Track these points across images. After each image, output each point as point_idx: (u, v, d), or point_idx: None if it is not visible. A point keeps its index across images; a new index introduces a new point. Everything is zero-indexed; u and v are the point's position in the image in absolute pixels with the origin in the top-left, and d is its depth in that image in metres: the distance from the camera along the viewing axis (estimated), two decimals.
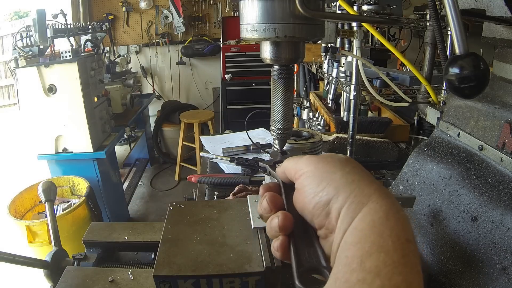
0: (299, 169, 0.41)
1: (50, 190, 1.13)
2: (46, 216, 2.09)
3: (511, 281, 0.59)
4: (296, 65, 2.58)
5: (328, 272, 0.34)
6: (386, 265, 0.29)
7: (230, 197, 1.08)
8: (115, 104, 3.25)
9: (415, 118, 2.03)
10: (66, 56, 2.39)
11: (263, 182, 0.69)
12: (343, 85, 1.43)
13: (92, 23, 3.06)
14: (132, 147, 3.68)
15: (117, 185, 3.05)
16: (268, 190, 0.45)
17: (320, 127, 2.12)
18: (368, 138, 1.54)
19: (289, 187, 0.45)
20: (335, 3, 1.28)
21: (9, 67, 2.40)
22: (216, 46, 4.65)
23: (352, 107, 1.23)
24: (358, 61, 1.13)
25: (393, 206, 0.34)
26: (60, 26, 2.50)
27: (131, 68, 4.43)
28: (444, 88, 1.19)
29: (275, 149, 0.60)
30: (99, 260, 0.87)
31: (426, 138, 1.12)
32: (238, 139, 1.72)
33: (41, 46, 2.38)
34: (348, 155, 1.27)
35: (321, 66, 2.05)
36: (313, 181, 0.38)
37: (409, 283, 0.28)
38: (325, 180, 0.37)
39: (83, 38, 2.95)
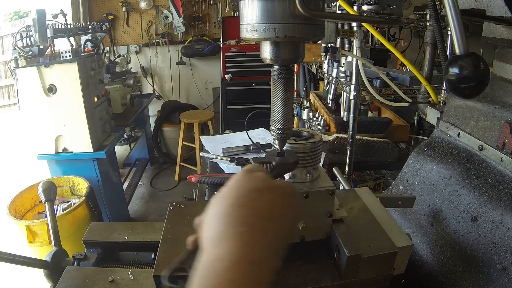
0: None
1: (50, 190, 1.13)
2: (46, 216, 2.09)
3: (511, 281, 0.59)
4: (296, 65, 2.58)
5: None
6: None
7: None
8: (115, 104, 3.24)
9: (415, 118, 2.04)
10: (66, 56, 2.38)
11: None
12: (343, 85, 1.43)
13: (92, 23, 3.06)
14: (132, 147, 3.67)
15: (117, 185, 3.05)
16: None
17: (320, 127, 2.12)
18: (368, 138, 1.54)
19: None
20: (335, 3, 1.28)
21: (9, 67, 2.39)
22: (216, 46, 4.65)
23: (352, 107, 1.23)
24: (358, 61, 1.13)
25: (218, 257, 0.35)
26: (60, 26, 2.50)
27: (131, 68, 4.43)
28: (444, 88, 1.19)
29: (275, 149, 0.60)
30: (99, 260, 0.87)
31: (426, 138, 1.12)
32: (238, 139, 1.72)
33: (41, 46, 2.37)
34: (348, 155, 1.27)
35: (321, 66, 2.05)
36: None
37: None
38: (209, 206, 0.40)
39: (83, 38, 2.95)
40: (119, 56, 4.26)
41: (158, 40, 4.68)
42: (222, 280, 0.31)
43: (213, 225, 0.36)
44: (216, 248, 0.34)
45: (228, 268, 0.32)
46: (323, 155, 1.44)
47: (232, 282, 0.31)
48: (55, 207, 2.32)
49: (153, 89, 4.86)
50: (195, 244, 0.41)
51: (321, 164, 0.68)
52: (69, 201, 2.44)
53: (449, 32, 1.07)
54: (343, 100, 1.63)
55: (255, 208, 0.38)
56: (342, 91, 1.57)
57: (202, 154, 1.57)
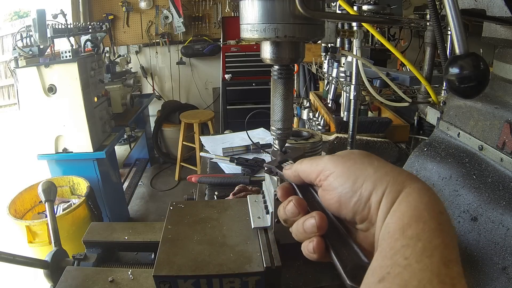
0: (324, 170, 0.42)
1: (50, 190, 1.13)
2: (46, 216, 2.09)
3: (511, 281, 0.59)
4: (296, 65, 2.58)
5: None
6: (425, 231, 0.32)
7: (230, 197, 1.08)
8: (115, 104, 3.25)
9: (415, 118, 2.03)
10: (66, 56, 2.39)
11: (263, 183, 0.69)
12: (343, 85, 1.44)
13: (92, 23, 3.06)
14: (132, 147, 3.67)
15: (117, 185, 3.05)
16: (287, 191, 0.47)
17: (320, 127, 2.12)
18: (368, 138, 1.54)
19: (303, 188, 0.46)
20: (335, 3, 1.28)
21: (9, 67, 2.40)
22: (216, 46, 4.65)
23: (352, 107, 1.23)
24: (358, 61, 1.13)
25: (424, 186, 0.37)
26: (60, 26, 2.50)
27: (131, 68, 4.43)
28: (444, 88, 1.19)
29: (275, 149, 0.60)
30: (99, 260, 0.87)
31: (426, 138, 1.12)
32: (238, 139, 1.72)
33: (41, 46, 2.38)
34: None
35: (321, 66, 2.05)
36: (347, 180, 0.40)
37: (446, 244, 0.32)
38: (361, 177, 0.39)
39: (83, 38, 2.95)
40: (119, 56, 4.27)
41: (158, 40, 4.68)
42: (419, 204, 0.34)
43: (381, 188, 0.37)
44: (401, 194, 0.36)
45: (418, 197, 0.35)
46: (323, 155, 1.44)
47: (428, 204, 0.35)
48: (55, 207, 2.32)
49: (153, 89, 4.86)
50: (322, 246, 0.40)
51: None
52: (69, 201, 2.44)
53: (449, 32, 1.07)
54: (343, 100, 1.63)
55: (386, 163, 0.41)
56: (342, 91, 1.57)
57: (202, 154, 1.57)
